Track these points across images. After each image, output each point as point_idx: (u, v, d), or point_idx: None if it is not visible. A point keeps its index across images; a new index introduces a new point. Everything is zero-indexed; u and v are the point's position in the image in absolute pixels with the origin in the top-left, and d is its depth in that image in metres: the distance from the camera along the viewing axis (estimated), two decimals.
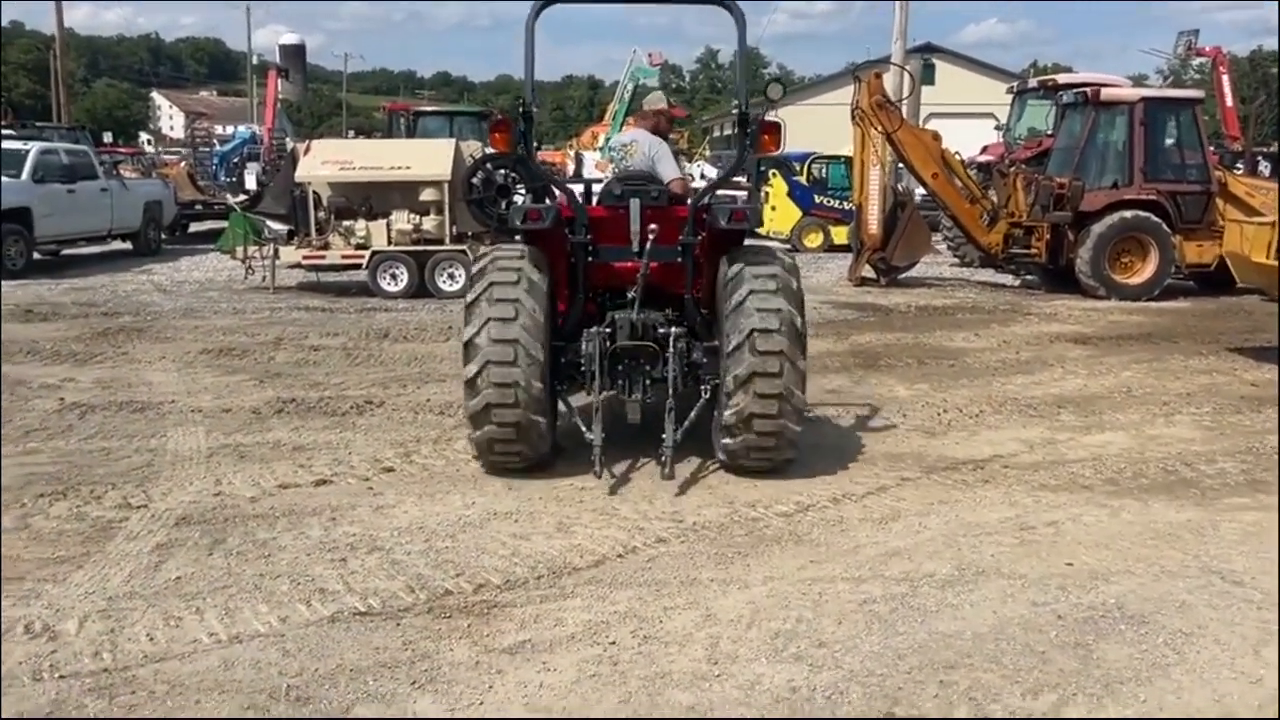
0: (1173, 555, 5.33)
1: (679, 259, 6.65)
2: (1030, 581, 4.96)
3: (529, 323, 6.07)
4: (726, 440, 6.31)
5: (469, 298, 6.30)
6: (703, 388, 6.61)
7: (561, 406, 6.88)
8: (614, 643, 4.29)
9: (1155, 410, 8.72)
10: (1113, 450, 7.45)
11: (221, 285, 16.09)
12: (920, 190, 17.41)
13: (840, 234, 21.40)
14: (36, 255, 17.83)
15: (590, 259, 6.68)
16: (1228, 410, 8.71)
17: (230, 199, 20.09)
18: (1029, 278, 17.40)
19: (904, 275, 17.02)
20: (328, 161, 14.60)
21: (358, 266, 14.70)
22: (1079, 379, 10.02)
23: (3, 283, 15.22)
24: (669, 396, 6.38)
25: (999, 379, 10.01)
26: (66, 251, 19.58)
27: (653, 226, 6.45)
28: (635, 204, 6.54)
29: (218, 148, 35.08)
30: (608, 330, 6.54)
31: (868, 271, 16.71)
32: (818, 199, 22.93)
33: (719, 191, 7.59)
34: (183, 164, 25.45)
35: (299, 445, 7.34)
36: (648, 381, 6.59)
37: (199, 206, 23.86)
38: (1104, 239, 15.30)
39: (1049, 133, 19.19)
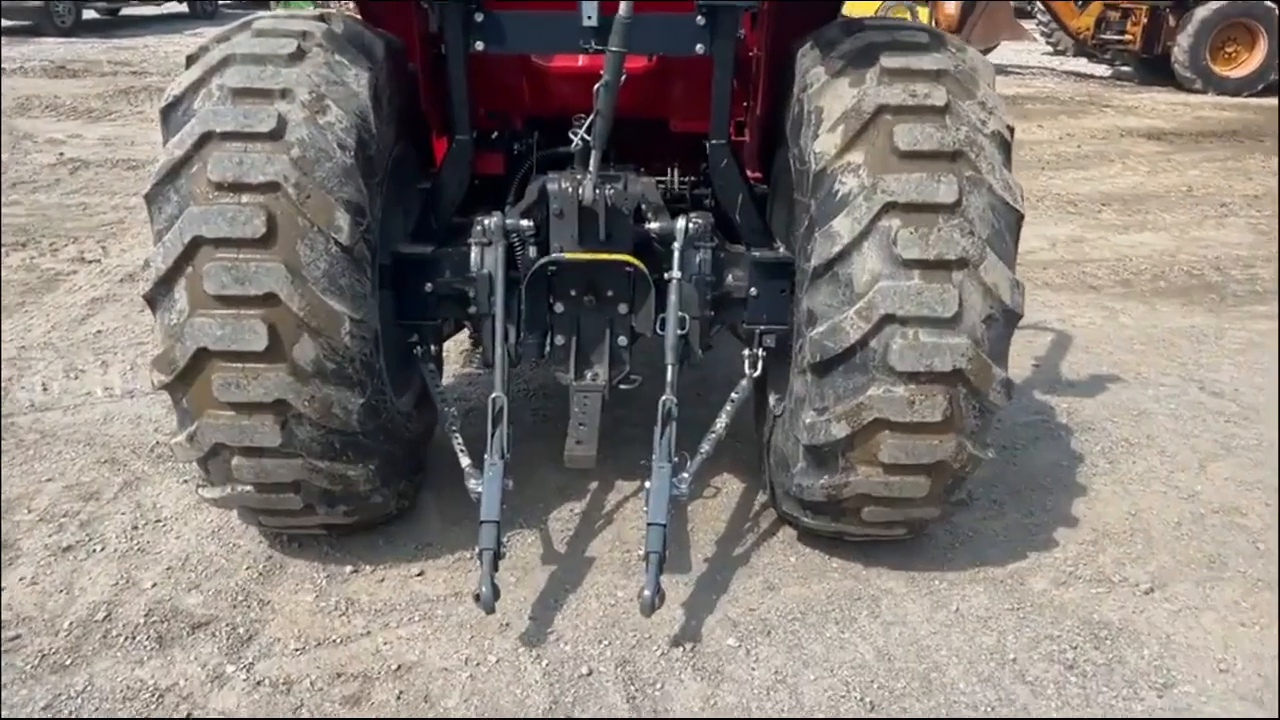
0: (1157, 362, 4.85)
1: (699, 47, 2.91)
2: None
3: (330, 324, 2.64)
4: (791, 516, 3.13)
5: (153, 260, 2.62)
6: (749, 354, 3.20)
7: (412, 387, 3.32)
8: None
9: (1209, 211, 7.97)
10: (1143, 252, 6.82)
11: None
12: None
13: (928, 15, 19.90)
14: (91, 14, 17.65)
15: (482, 45, 2.93)
16: None
17: None
18: (1122, 68, 16.00)
19: None
20: None
21: None
22: (1137, 176, 9.21)
23: (49, 40, 15.12)
24: (669, 380, 2.92)
25: (1048, 173, 9.26)
26: (125, 11, 19.31)
27: None
28: None
29: None
30: (528, 224, 3.09)
31: None
32: None
33: None
34: None
35: None
36: (621, 340, 3.23)
37: None
38: (1207, 24, 13.87)
39: None
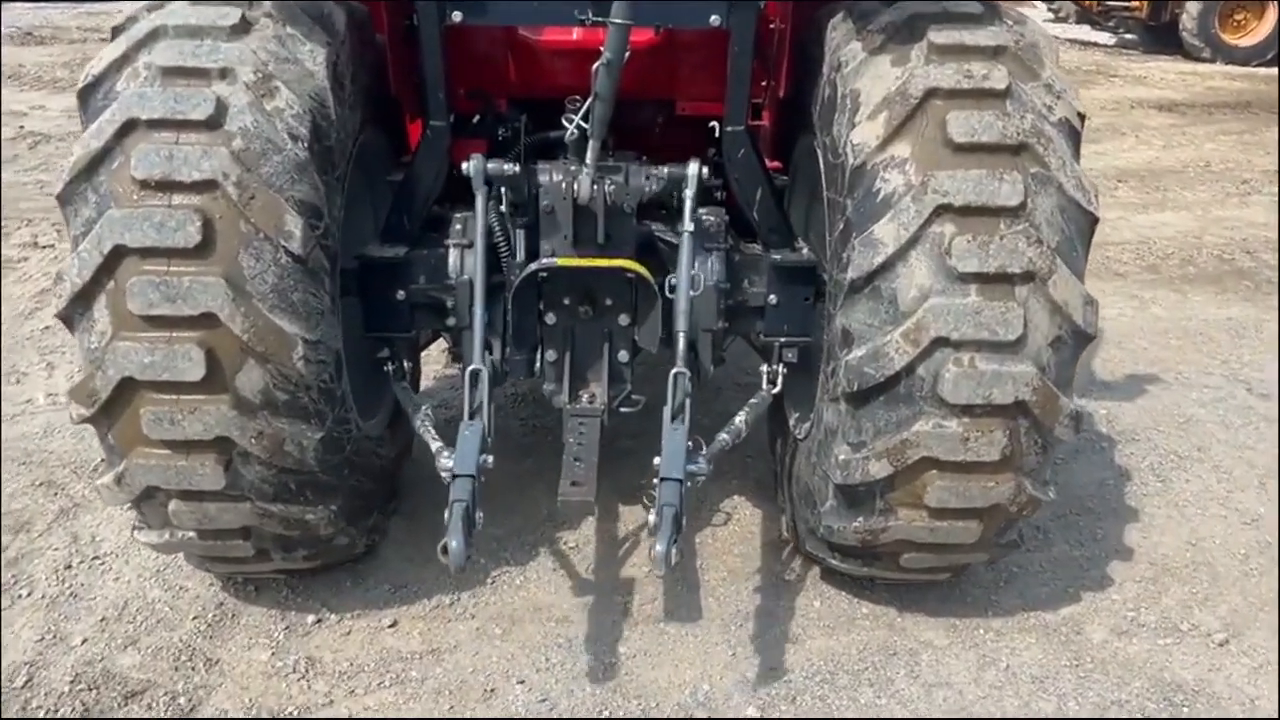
0: (1196, 359, 4.49)
1: (715, 18, 2.50)
2: None
3: (280, 348, 2.25)
4: (816, 557, 2.78)
5: (68, 272, 2.22)
6: (768, 369, 2.86)
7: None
8: None
9: (1230, 189, 7.59)
10: (1166, 233, 6.45)
11: None
12: None
13: None
14: None
15: (460, 16, 2.52)
16: None
17: None
18: (1126, 35, 15.55)
19: None
20: None
21: None
22: (1152, 150, 8.81)
23: (17, 4, 14.51)
24: (679, 351, 2.54)
25: None
26: None
27: None
28: None
29: None
30: (512, 169, 2.64)
31: None
32: None
33: None
34: None
35: None
36: (622, 357, 2.83)
37: None
38: None
39: None
